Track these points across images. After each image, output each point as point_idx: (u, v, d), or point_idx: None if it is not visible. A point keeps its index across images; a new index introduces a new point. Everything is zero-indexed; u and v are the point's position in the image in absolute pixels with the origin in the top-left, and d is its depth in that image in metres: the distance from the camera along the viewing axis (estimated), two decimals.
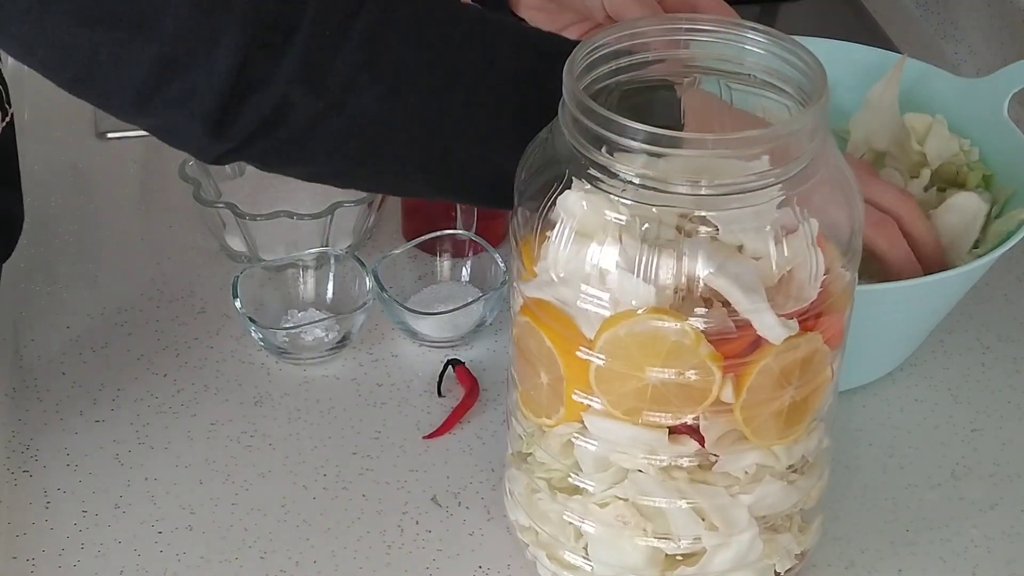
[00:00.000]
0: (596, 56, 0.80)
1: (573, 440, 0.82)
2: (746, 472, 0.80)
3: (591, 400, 0.79)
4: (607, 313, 0.77)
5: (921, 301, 0.98)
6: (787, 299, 0.76)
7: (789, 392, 0.79)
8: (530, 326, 0.81)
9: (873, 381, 1.04)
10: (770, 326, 0.76)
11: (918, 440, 1.00)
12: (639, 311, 0.76)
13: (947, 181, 1.07)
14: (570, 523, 0.84)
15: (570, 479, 0.83)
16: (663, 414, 0.78)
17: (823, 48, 1.11)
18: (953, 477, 0.97)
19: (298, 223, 1.09)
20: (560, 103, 0.78)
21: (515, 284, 0.83)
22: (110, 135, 1.28)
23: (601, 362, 0.77)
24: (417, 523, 0.93)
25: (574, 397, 0.80)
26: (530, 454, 0.86)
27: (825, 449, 0.86)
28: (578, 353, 0.78)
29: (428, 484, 0.96)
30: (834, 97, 1.10)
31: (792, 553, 0.85)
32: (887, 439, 1.00)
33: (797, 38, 1.10)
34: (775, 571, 0.85)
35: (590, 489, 0.82)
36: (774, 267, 0.76)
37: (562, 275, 0.78)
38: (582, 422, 0.81)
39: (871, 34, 1.40)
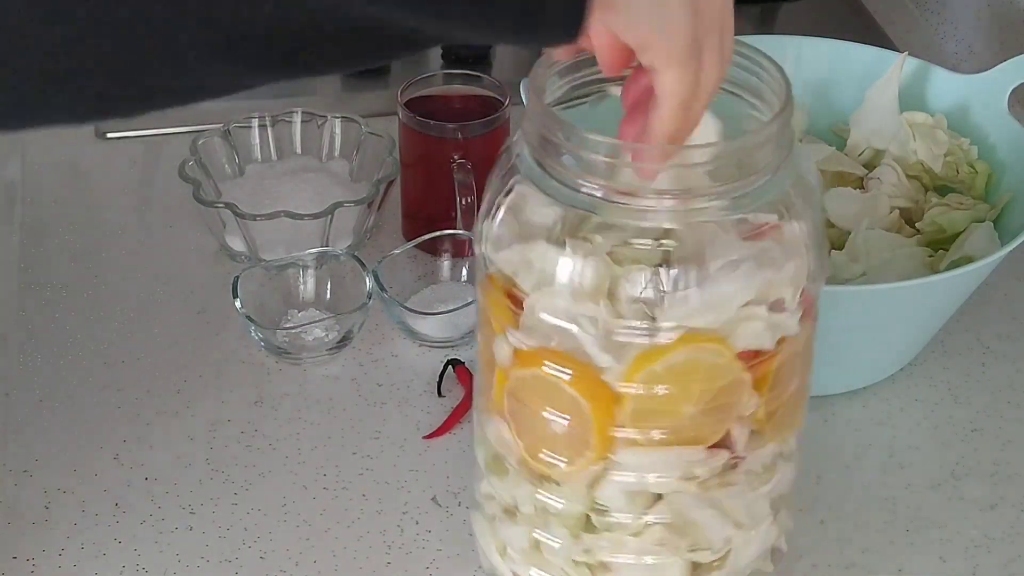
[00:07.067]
0: (555, 71, 0.77)
1: (602, 477, 0.78)
2: (764, 465, 0.80)
3: (625, 433, 0.76)
4: (644, 342, 0.74)
5: (921, 303, 0.98)
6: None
7: (795, 380, 0.78)
8: (539, 377, 0.77)
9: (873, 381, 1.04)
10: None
11: (918, 440, 1.00)
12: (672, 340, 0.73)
13: (948, 180, 1.07)
14: (583, 563, 0.81)
15: (594, 518, 0.80)
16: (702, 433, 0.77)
17: (823, 48, 1.12)
18: (953, 477, 0.97)
19: (298, 223, 1.09)
20: (523, 117, 0.76)
21: (497, 338, 0.78)
22: (110, 135, 1.27)
23: (635, 394, 0.75)
24: (417, 523, 0.93)
25: (610, 433, 0.76)
26: (531, 510, 0.82)
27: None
28: (609, 387, 0.75)
29: (428, 484, 0.96)
30: (834, 96, 1.12)
31: (789, 527, 0.85)
32: (887, 439, 1.00)
33: (797, 38, 1.12)
34: (778, 549, 0.85)
35: (623, 521, 0.79)
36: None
37: (565, 317, 0.75)
38: (611, 458, 0.77)
39: (871, 34, 1.40)
